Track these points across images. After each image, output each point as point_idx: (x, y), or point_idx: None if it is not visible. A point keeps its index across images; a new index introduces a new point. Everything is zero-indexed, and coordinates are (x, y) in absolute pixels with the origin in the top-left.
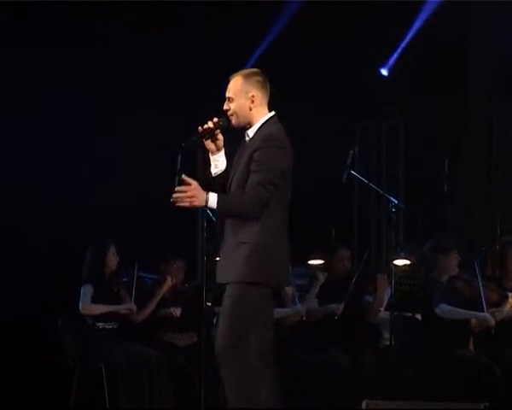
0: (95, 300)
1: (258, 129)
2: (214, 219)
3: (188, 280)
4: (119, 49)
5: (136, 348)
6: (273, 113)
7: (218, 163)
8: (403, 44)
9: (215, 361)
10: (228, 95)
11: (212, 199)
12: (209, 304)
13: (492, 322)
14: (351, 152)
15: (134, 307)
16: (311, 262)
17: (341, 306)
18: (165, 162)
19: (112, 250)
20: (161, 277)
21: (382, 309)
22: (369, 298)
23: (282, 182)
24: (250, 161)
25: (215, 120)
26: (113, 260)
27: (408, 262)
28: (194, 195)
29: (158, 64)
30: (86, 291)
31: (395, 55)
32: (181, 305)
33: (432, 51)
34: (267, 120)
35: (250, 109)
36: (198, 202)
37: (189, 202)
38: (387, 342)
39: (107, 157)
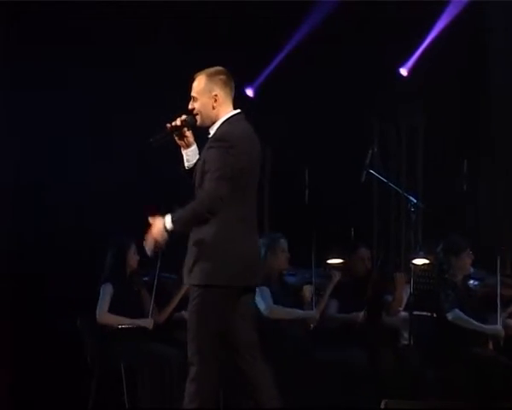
0: (114, 299)
1: (219, 127)
2: None
3: None
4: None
5: (156, 347)
6: (237, 111)
7: (190, 157)
8: (424, 44)
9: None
10: (192, 94)
11: (167, 219)
12: None
13: (502, 334)
14: (370, 151)
15: (151, 323)
16: (329, 262)
17: (361, 314)
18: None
19: (132, 249)
20: (180, 277)
21: (401, 309)
22: (388, 298)
23: (237, 180)
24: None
25: (182, 117)
26: (133, 259)
27: (427, 262)
28: (153, 230)
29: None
30: (105, 291)
31: (415, 55)
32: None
33: (453, 50)
34: (228, 119)
35: (213, 108)
36: (157, 232)
37: (154, 238)
38: (406, 342)
39: (125, 155)
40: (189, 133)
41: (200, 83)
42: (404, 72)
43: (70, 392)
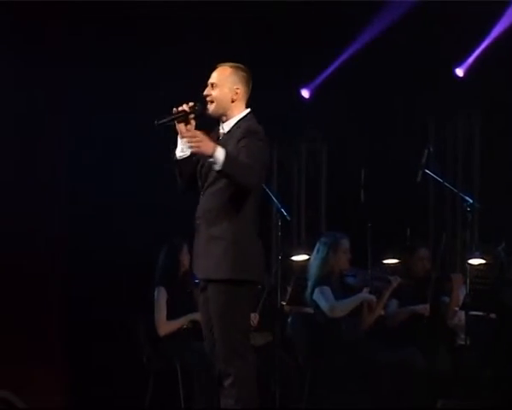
0: (169, 302)
1: (236, 124)
2: (289, 218)
3: None
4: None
5: None
6: (249, 109)
7: (185, 147)
8: (482, 45)
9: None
10: (212, 81)
11: (220, 150)
12: (284, 303)
13: None
14: (426, 151)
15: None
16: (386, 262)
17: (428, 306)
18: None
19: (185, 249)
20: None
21: (458, 309)
22: (445, 298)
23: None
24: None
25: (191, 104)
26: (186, 259)
27: (483, 262)
28: (202, 140)
29: None
30: (160, 297)
31: (472, 56)
32: (256, 305)
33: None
34: (245, 116)
35: (232, 101)
36: (205, 148)
37: (197, 145)
38: (463, 342)
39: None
40: (193, 121)
41: (223, 72)
42: (460, 72)
43: (126, 392)
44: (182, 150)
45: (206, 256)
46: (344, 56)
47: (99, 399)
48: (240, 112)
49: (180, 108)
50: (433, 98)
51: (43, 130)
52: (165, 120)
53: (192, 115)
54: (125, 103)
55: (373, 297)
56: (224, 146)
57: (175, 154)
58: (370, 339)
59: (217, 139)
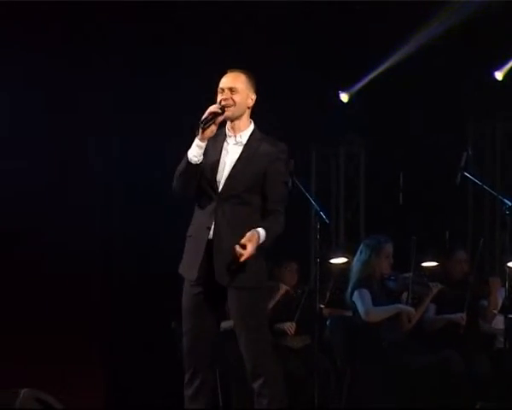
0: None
1: (252, 134)
2: (328, 221)
3: (300, 283)
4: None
5: None
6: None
7: (201, 152)
8: None
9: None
10: (230, 85)
11: (262, 234)
12: (322, 306)
13: None
14: (465, 154)
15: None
16: (424, 265)
17: (464, 315)
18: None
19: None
20: (275, 283)
21: (496, 312)
22: (484, 302)
23: None
24: (266, 168)
25: (218, 105)
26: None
27: None
28: (253, 246)
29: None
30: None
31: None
32: (294, 309)
33: None
34: (255, 127)
35: (248, 108)
36: (252, 247)
37: (252, 250)
38: (502, 346)
39: None
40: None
41: (240, 79)
42: (499, 75)
43: (164, 391)
44: (199, 155)
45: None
46: (384, 62)
47: (137, 401)
48: (249, 120)
49: (212, 110)
50: (471, 101)
51: (95, 126)
52: (206, 124)
53: (221, 117)
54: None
55: (411, 309)
56: (248, 161)
57: (193, 159)
58: (408, 342)
59: (222, 143)
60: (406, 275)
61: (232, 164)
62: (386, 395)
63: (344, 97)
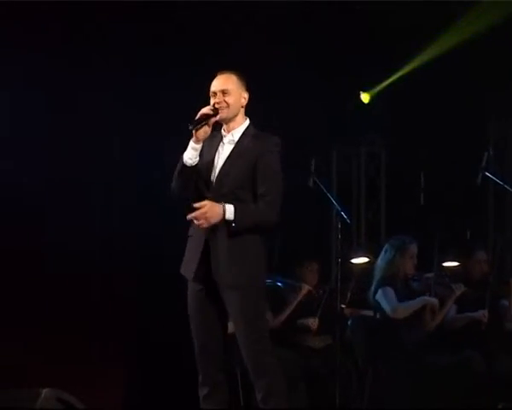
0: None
1: (244, 132)
2: (349, 221)
3: (321, 283)
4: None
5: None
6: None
7: (196, 154)
8: None
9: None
10: (223, 88)
11: (230, 209)
12: (343, 306)
13: None
14: (486, 154)
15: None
16: (445, 264)
17: (486, 312)
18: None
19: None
20: (297, 283)
21: None
22: (504, 302)
23: None
24: (256, 162)
25: (211, 106)
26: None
27: None
28: (207, 211)
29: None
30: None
31: None
32: (315, 309)
33: None
34: (249, 124)
35: (241, 107)
36: (214, 218)
37: (206, 220)
38: None
39: None
40: (210, 124)
41: (232, 80)
42: None
43: (186, 393)
44: (194, 157)
45: (235, 263)
46: (407, 65)
47: (157, 400)
48: (244, 118)
49: (205, 111)
50: (492, 101)
51: (96, 126)
52: (197, 125)
53: (213, 119)
54: None
55: (435, 301)
56: (238, 156)
57: (188, 161)
58: (430, 341)
59: (218, 143)
60: (428, 275)
61: (223, 161)
62: (408, 395)
63: (365, 98)
